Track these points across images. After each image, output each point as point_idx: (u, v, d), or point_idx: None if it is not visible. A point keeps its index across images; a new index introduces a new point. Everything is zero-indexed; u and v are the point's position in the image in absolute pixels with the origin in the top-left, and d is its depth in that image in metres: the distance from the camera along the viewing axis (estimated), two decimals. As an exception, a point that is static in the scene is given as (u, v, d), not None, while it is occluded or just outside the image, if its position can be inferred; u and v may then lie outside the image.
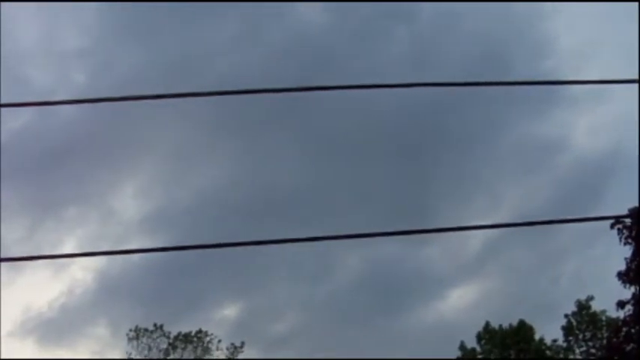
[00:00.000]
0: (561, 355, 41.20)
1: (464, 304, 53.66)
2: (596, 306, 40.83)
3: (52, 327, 50.24)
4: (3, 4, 40.22)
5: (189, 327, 44.55)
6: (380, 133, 50.48)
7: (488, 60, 51.21)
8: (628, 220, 27.43)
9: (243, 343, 43.98)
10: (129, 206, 55.02)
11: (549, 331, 41.94)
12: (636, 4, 12.15)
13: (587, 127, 58.08)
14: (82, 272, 53.19)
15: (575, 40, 58.45)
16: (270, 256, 43.67)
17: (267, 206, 50.32)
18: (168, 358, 43.29)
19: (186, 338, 43.47)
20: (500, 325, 41.75)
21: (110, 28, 53.63)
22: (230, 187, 53.20)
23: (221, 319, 51.54)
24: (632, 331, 28.33)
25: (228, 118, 46.92)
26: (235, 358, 43.73)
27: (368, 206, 49.64)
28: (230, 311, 54.75)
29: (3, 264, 48.41)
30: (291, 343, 51.73)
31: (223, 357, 43.67)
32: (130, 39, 54.58)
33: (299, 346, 50.38)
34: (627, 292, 28.16)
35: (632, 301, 28.05)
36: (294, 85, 6.78)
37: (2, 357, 32.61)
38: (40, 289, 54.55)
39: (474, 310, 50.70)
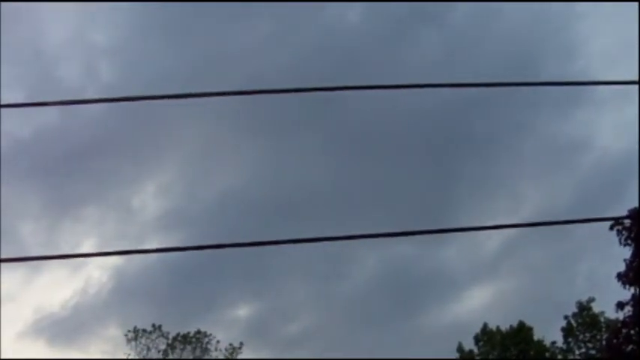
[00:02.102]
0: (560, 357, 41.14)
1: (479, 305, 53.51)
2: (598, 307, 40.74)
3: (65, 327, 50.36)
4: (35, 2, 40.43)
5: (204, 327, 44.63)
6: (404, 134, 50.63)
7: (519, 61, 51.01)
8: (627, 221, 27.40)
9: (241, 344, 43.99)
10: (150, 205, 55.29)
11: (554, 332, 41.87)
12: (636, 4, 12.11)
13: (612, 127, 57.89)
14: (99, 272, 53.39)
15: (606, 41, 58.09)
16: (286, 256, 43.82)
17: (288, 206, 50.54)
18: (167, 358, 43.23)
19: (184, 339, 43.41)
20: (498, 327, 41.70)
21: (141, 27, 53.76)
22: (252, 187, 53.34)
23: (235, 319, 51.85)
24: (632, 332, 28.29)
25: (253, 117, 47.00)
26: (234, 358, 43.71)
27: (390, 207, 49.65)
28: (244, 311, 54.84)
29: (20, 264, 48.20)
30: (306, 343, 51.82)
31: (222, 357, 43.64)
32: (161, 37, 54.62)
33: (313, 346, 50.54)
34: (629, 294, 28.17)
35: (631, 302, 28.02)
36: (320, 85, 6.71)
37: (3, 357, 32.57)
38: (56, 288, 54.85)
39: (488, 311, 50.66)
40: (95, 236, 52.45)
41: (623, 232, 27.39)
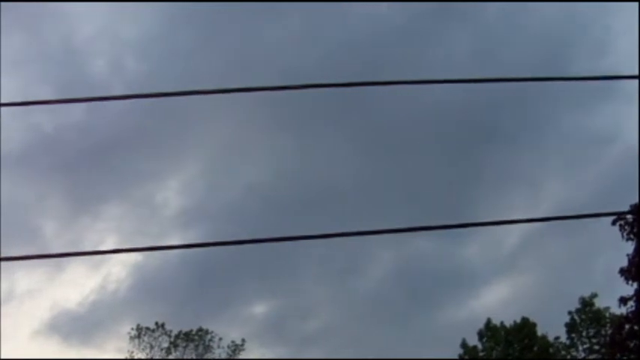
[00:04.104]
0: (563, 352, 41.08)
1: (496, 301, 53.24)
2: (605, 302, 40.52)
3: (81, 324, 50.38)
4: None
5: (219, 324, 44.58)
6: (427, 129, 50.59)
7: (549, 57, 50.59)
8: (630, 217, 27.31)
9: (243, 341, 43.94)
10: (173, 202, 55.26)
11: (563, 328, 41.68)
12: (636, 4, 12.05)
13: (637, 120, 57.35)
14: (119, 269, 53.37)
15: (637, 37, 57.45)
16: (305, 252, 43.73)
17: (310, 202, 50.47)
18: (169, 357, 43.20)
19: (187, 336, 43.39)
20: (502, 322, 41.64)
21: (171, 23, 53.53)
22: (275, 183, 53.21)
23: (252, 316, 51.86)
24: (635, 327, 28.22)
25: (278, 113, 46.94)
26: (236, 357, 43.66)
27: (411, 203, 49.49)
28: (261, 308, 54.82)
29: (42, 262, 48.19)
30: (323, 340, 51.83)
31: (225, 355, 43.60)
32: (191, 34, 54.41)
33: (330, 343, 50.64)
34: (632, 289, 28.10)
35: (634, 298, 27.95)
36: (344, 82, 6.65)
37: (2, 357, 32.52)
38: (78, 285, 55.04)
39: (504, 307, 50.27)
40: (117, 233, 52.41)
41: (626, 228, 27.33)
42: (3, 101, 6.55)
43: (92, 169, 49.82)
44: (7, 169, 45.88)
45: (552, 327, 41.27)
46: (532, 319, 41.37)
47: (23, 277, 49.84)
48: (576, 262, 51.56)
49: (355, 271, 52.94)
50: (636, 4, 10.73)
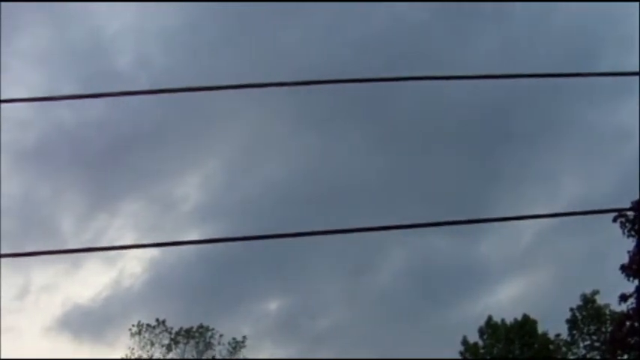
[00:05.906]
0: (564, 349, 41.11)
1: (509, 299, 52.97)
2: (607, 299, 40.48)
3: (93, 320, 50.22)
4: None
5: (232, 322, 44.67)
6: (449, 127, 50.43)
7: (577, 54, 50.10)
8: (631, 213, 27.36)
9: (244, 338, 43.83)
10: (192, 197, 55.05)
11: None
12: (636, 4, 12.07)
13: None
14: (135, 264, 53.60)
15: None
16: (318, 249, 43.58)
17: (330, 199, 50.17)
18: (169, 354, 43.16)
19: (187, 333, 43.32)
20: (503, 320, 41.66)
21: (196, 19, 53.26)
22: (296, 179, 53.14)
23: (265, 313, 51.73)
24: (636, 324, 28.25)
25: (299, 109, 46.89)
26: (237, 354, 43.59)
27: (429, 201, 49.23)
28: (274, 306, 54.58)
29: (59, 258, 48.09)
30: (335, 338, 51.63)
31: (225, 352, 43.55)
32: (215, 30, 54.22)
33: (341, 342, 50.61)
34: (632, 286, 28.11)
35: (635, 295, 27.97)
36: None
37: (2, 357, 32.53)
38: (94, 281, 55.15)
39: (516, 305, 50.02)
40: (135, 230, 52.24)
41: (627, 225, 27.36)
42: (26, 96, 6.61)
43: (111, 164, 49.75)
44: (26, 164, 46.25)
45: (557, 324, 41.37)
46: (536, 316, 41.40)
47: (39, 273, 49.99)
48: (588, 260, 51.33)
49: (367, 269, 52.90)
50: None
